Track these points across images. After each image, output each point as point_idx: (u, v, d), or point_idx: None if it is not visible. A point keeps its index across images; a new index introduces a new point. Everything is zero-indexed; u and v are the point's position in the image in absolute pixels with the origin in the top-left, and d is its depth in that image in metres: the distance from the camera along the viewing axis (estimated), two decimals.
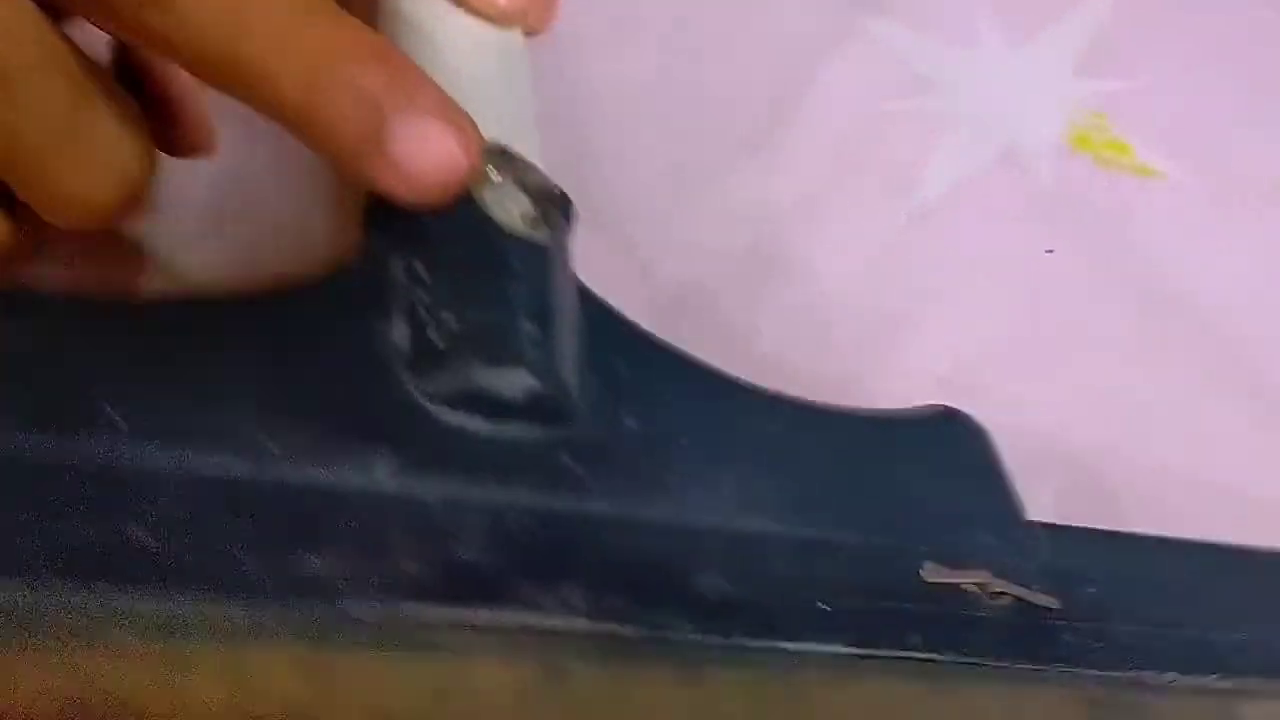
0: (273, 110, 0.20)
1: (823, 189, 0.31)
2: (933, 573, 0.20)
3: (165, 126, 0.23)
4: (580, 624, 0.18)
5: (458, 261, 0.21)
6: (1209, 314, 0.31)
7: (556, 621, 0.18)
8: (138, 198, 0.21)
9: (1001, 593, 0.20)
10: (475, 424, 0.20)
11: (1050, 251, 0.31)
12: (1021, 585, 0.20)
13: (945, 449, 0.23)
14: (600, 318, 0.22)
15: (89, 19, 0.20)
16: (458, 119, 0.20)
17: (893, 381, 0.28)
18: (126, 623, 0.17)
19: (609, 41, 0.31)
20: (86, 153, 0.20)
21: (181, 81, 0.24)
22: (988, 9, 0.34)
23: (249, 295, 0.21)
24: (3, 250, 0.22)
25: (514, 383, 0.20)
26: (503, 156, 0.22)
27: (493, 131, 0.22)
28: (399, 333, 0.20)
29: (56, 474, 0.17)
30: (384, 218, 0.21)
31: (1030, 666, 0.20)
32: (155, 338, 0.20)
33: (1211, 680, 0.20)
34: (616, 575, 0.18)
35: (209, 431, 0.18)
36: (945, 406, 0.24)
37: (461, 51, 0.24)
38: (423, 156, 0.20)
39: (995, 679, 0.20)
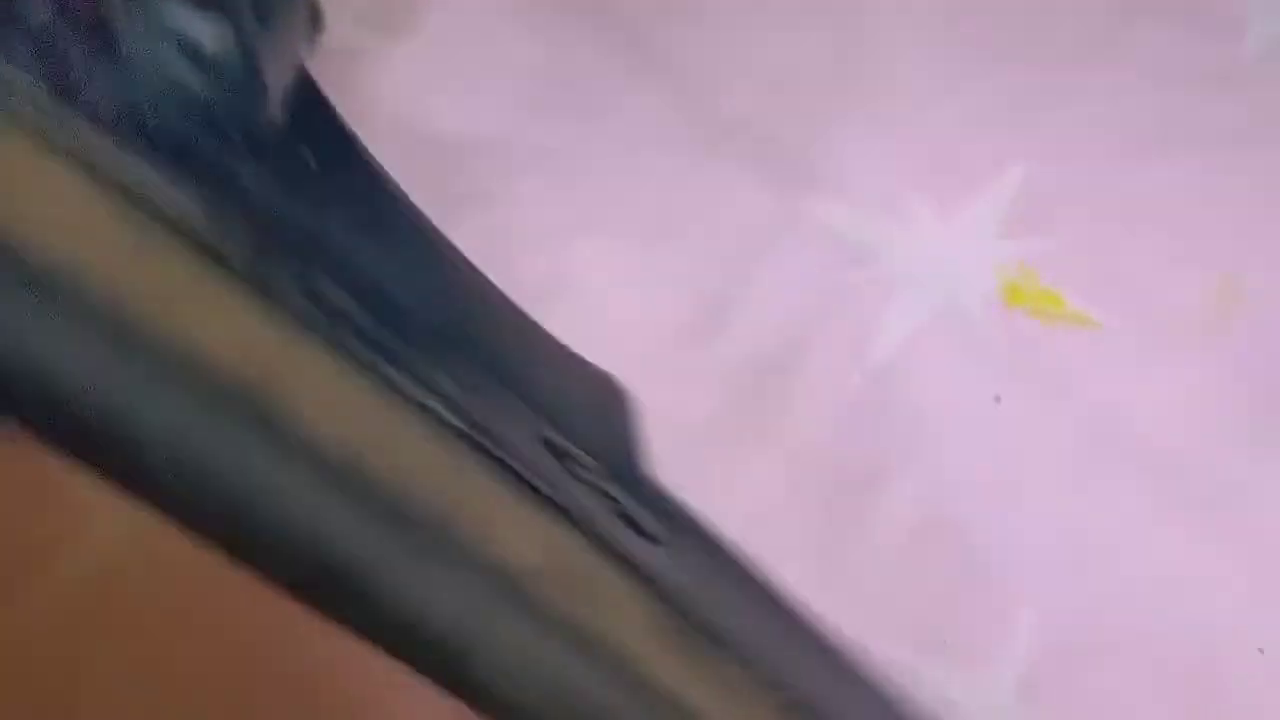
0: None
1: (781, 357, 0.33)
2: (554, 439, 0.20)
3: None
4: None
5: None
6: (1154, 447, 0.33)
7: None
8: None
9: (611, 497, 0.20)
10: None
11: (998, 399, 0.33)
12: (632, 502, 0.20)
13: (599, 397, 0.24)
14: None
15: None
16: None
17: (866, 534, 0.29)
18: None
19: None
20: None
21: None
22: (913, 184, 0.37)
23: None
24: None
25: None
26: None
27: None
28: None
29: None
30: None
31: None
32: None
33: None
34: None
35: None
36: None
37: None
38: None
39: None
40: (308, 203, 0.21)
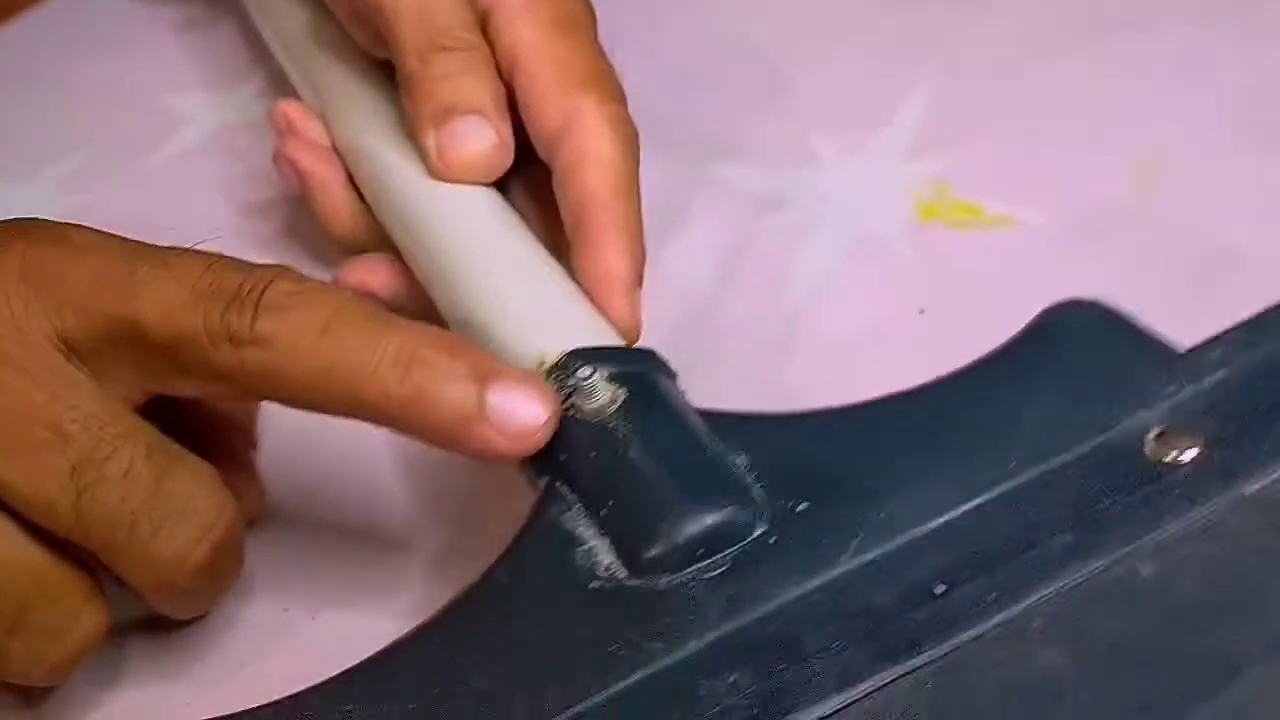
0: (372, 409, 0.23)
1: (701, 314, 0.34)
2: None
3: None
4: None
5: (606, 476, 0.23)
6: None
7: None
8: (228, 553, 0.24)
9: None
10: (689, 574, 0.22)
11: (922, 312, 0.34)
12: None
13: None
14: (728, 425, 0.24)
15: (190, 392, 0.24)
16: (532, 379, 0.24)
17: None
18: None
19: None
20: (174, 511, 0.23)
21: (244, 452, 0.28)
22: (816, 129, 0.38)
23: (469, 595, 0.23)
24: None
25: (705, 518, 0.22)
26: (580, 360, 0.25)
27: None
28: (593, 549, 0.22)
29: None
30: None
31: None
32: None
33: None
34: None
35: None
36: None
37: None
38: (519, 417, 0.23)
39: None
40: None
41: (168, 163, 0.39)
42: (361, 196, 0.32)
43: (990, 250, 0.35)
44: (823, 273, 0.35)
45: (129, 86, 0.41)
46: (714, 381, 0.27)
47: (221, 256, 0.24)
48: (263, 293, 0.23)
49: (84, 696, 0.26)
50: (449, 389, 0.23)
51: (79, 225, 0.25)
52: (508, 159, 0.29)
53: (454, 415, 0.23)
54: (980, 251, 0.35)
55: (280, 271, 0.24)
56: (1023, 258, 0.35)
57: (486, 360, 0.24)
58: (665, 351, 0.27)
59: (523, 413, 0.23)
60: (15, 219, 0.25)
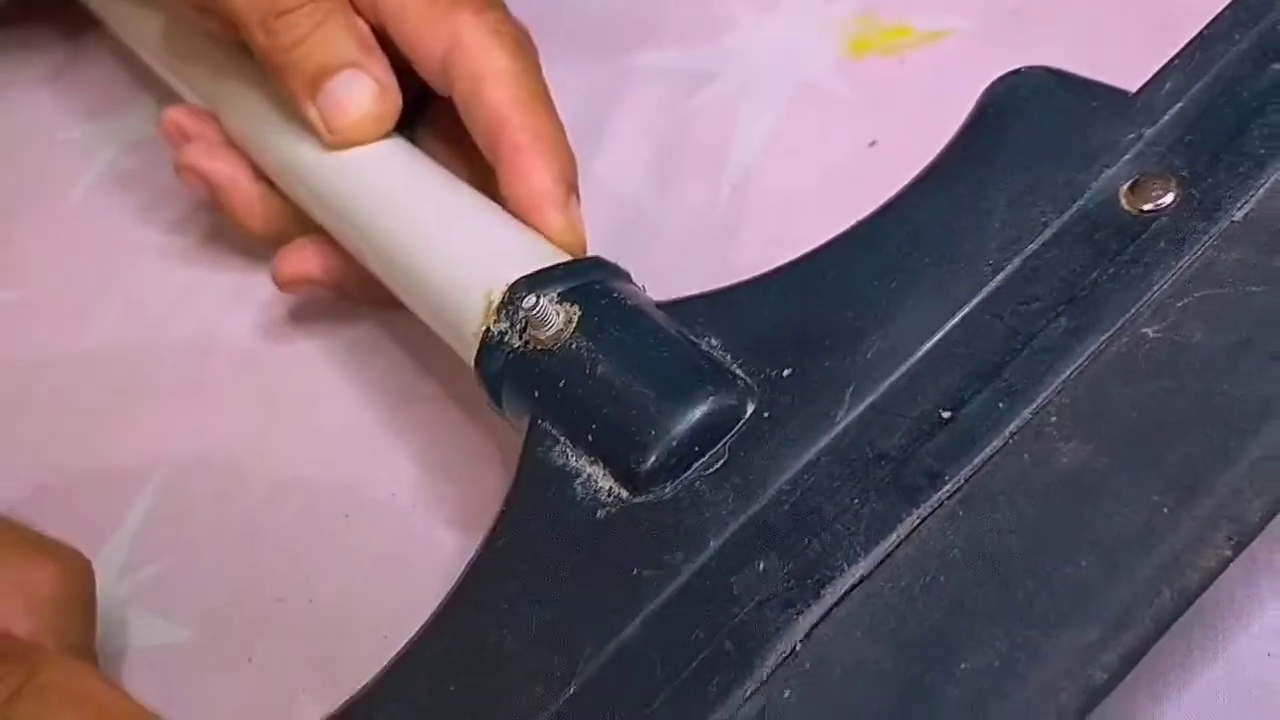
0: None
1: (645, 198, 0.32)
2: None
3: None
4: None
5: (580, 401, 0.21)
6: None
7: None
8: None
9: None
10: (691, 476, 0.20)
11: (873, 144, 0.32)
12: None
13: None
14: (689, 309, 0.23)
15: None
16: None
17: None
18: None
19: None
20: None
21: None
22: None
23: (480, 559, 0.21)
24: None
25: (690, 413, 0.20)
26: (524, 289, 0.23)
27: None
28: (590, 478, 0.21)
29: None
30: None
31: None
32: None
33: None
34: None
35: None
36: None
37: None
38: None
39: None
40: None
41: (83, 194, 0.37)
42: (273, 184, 0.30)
43: (929, 65, 0.33)
44: (765, 135, 0.33)
45: (21, 131, 0.40)
46: (668, 273, 0.25)
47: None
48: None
49: None
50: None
51: None
52: (396, 101, 0.27)
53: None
54: (920, 70, 0.33)
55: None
56: (963, 64, 0.33)
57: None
58: (613, 255, 0.25)
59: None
60: None
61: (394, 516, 0.27)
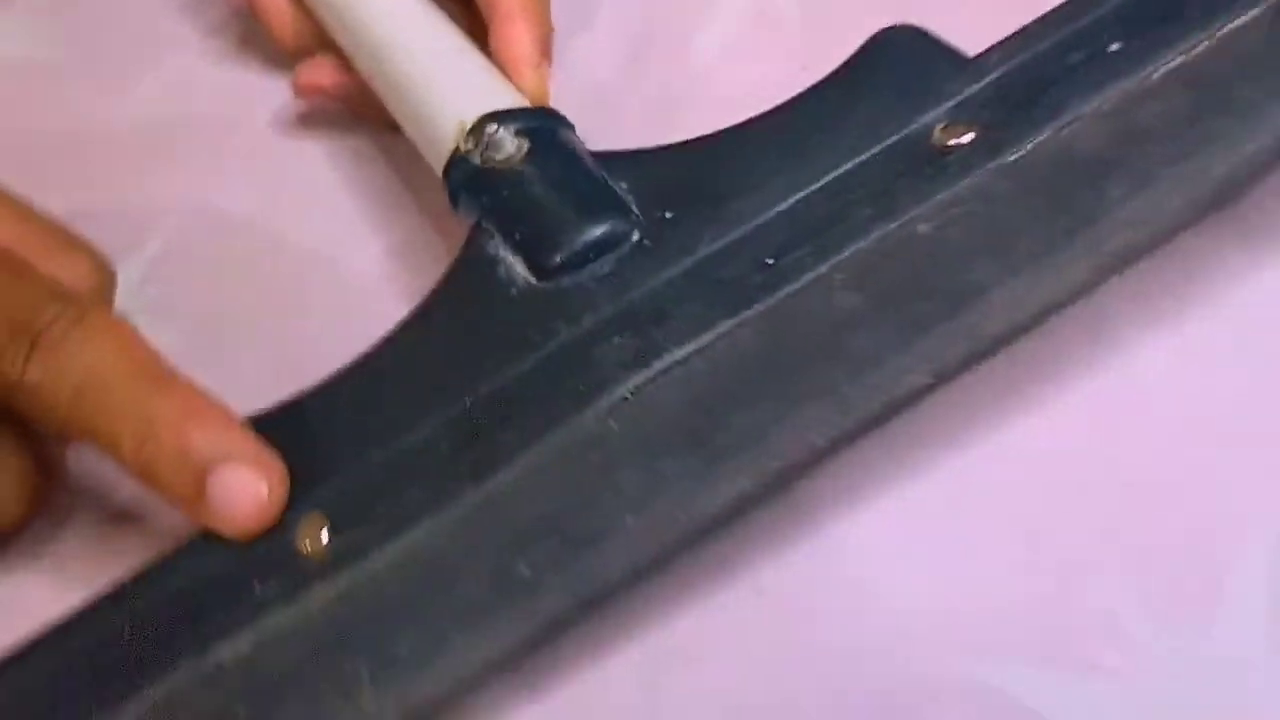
0: (121, 465, 0.25)
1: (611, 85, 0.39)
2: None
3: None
4: None
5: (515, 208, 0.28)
6: None
7: None
8: (33, 509, 0.28)
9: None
10: (583, 275, 0.27)
11: (804, 68, 0.38)
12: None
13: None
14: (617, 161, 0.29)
15: None
16: (267, 464, 0.25)
17: None
18: None
19: None
20: None
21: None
22: None
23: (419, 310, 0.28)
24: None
25: (592, 230, 0.27)
26: (489, 121, 0.30)
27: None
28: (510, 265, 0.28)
29: None
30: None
31: None
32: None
33: None
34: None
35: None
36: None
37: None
38: (237, 503, 0.25)
39: None
40: None
41: None
42: (303, 3, 0.37)
43: (868, 8, 0.39)
44: (720, 44, 0.39)
45: None
46: (611, 136, 0.32)
47: (25, 281, 0.26)
48: (42, 332, 0.25)
49: None
50: (173, 468, 0.25)
51: None
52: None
53: (179, 493, 0.25)
54: (859, 10, 0.39)
55: (64, 310, 0.26)
56: (899, 11, 0.39)
57: (223, 440, 0.25)
58: (574, 118, 0.31)
59: (239, 498, 0.25)
60: None
61: (361, 283, 0.34)
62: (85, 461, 0.30)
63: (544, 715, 0.25)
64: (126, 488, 0.30)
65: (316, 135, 0.38)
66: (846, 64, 0.29)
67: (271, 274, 0.35)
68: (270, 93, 0.39)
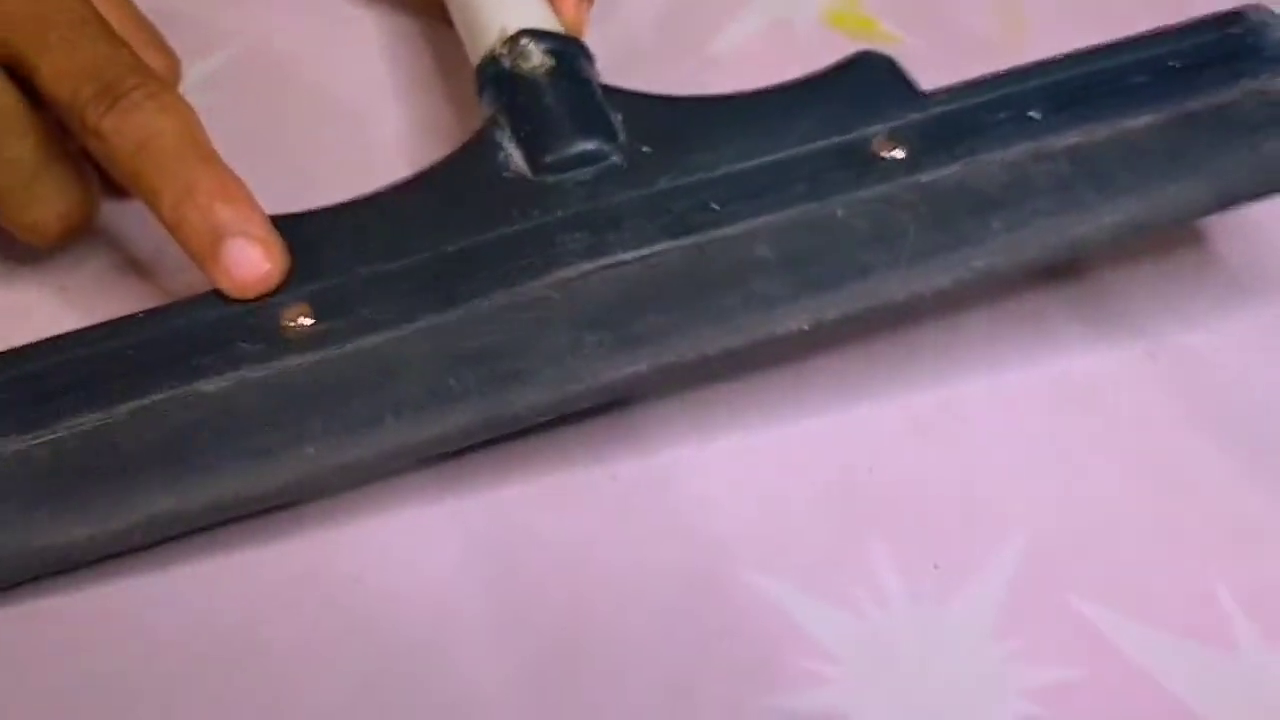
0: (157, 214, 0.30)
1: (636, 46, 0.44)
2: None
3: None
4: None
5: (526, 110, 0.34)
6: None
7: None
8: (77, 230, 0.33)
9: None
10: (566, 177, 0.32)
11: None
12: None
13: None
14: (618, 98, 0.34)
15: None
16: (273, 246, 0.30)
17: None
18: None
19: None
20: (42, 196, 0.32)
21: None
22: None
23: (426, 171, 0.33)
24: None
25: (582, 144, 0.33)
26: (526, 35, 0.35)
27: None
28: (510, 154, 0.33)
29: None
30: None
31: None
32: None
33: None
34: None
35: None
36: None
37: None
38: (243, 267, 0.30)
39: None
40: None
41: None
42: None
43: None
44: (739, 43, 0.45)
45: None
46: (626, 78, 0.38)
47: (121, 51, 0.31)
48: (123, 95, 0.30)
49: None
50: (200, 227, 0.30)
51: None
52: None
53: (199, 249, 0.30)
54: None
55: (145, 83, 0.30)
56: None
57: (243, 217, 0.30)
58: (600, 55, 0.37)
59: (245, 265, 0.30)
60: None
61: (381, 141, 0.40)
62: (117, 221, 0.36)
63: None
64: (146, 249, 0.35)
65: (375, 16, 0.44)
66: (823, 71, 0.35)
67: (301, 114, 0.40)
68: None
